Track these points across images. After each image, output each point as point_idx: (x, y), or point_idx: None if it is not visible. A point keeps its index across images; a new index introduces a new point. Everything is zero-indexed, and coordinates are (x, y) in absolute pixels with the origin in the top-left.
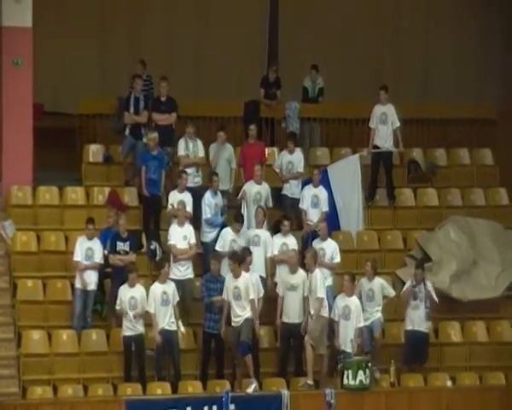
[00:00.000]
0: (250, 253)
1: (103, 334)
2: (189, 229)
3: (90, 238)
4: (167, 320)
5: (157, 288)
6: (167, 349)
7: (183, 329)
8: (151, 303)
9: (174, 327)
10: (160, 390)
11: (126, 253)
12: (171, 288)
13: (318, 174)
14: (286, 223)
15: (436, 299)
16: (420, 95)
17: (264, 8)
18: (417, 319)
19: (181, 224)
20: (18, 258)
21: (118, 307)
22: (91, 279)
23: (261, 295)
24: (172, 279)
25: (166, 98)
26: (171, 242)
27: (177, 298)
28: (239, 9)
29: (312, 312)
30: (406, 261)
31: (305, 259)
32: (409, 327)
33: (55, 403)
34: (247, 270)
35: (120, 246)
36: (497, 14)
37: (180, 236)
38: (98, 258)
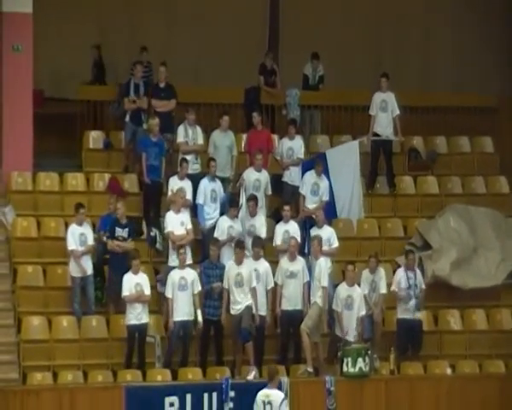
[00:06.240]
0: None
1: (103, 320)
2: (185, 215)
3: (80, 224)
4: (187, 309)
5: (175, 273)
6: (181, 336)
7: (200, 318)
8: (168, 289)
9: (192, 317)
10: (160, 377)
11: (125, 239)
12: (190, 275)
13: (321, 166)
14: (286, 208)
15: (423, 286)
16: (420, 83)
17: None
18: (409, 307)
19: (177, 210)
20: (18, 244)
21: (126, 294)
22: (88, 264)
23: (270, 286)
24: (173, 267)
25: (165, 85)
26: (169, 229)
27: (199, 287)
28: None
29: (314, 299)
30: (406, 249)
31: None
32: (401, 316)
33: (54, 389)
34: (258, 258)
35: (119, 232)
36: (498, 2)
37: (177, 222)
38: (91, 241)
